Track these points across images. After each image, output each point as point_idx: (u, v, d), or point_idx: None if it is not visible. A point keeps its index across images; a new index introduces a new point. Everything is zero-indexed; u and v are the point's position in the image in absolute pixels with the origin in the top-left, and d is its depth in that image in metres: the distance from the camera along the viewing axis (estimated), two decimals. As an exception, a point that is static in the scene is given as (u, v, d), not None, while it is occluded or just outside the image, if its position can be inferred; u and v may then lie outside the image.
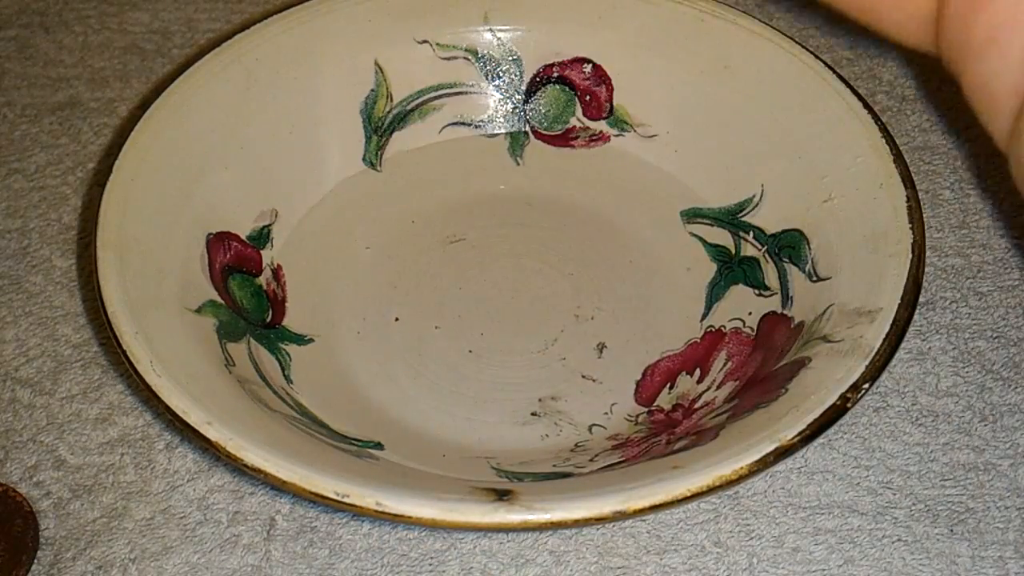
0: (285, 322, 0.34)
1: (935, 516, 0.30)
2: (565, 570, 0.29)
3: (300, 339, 0.34)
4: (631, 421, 0.32)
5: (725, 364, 0.32)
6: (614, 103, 0.39)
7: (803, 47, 0.35)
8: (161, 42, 0.45)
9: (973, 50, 0.19)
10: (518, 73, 0.39)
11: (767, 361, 0.31)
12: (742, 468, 0.25)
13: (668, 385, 0.33)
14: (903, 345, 0.28)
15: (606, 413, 0.32)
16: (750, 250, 0.35)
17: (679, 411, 0.32)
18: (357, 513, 0.26)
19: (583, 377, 0.33)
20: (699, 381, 0.32)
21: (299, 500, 0.31)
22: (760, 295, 0.34)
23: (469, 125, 0.39)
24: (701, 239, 0.36)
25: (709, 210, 0.36)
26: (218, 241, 0.34)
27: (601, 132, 0.39)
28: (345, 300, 0.35)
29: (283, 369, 0.32)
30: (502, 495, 0.25)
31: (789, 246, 0.34)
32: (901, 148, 0.33)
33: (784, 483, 0.31)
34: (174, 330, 0.29)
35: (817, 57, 0.35)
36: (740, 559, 0.29)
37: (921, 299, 0.35)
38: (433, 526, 0.26)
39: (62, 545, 0.30)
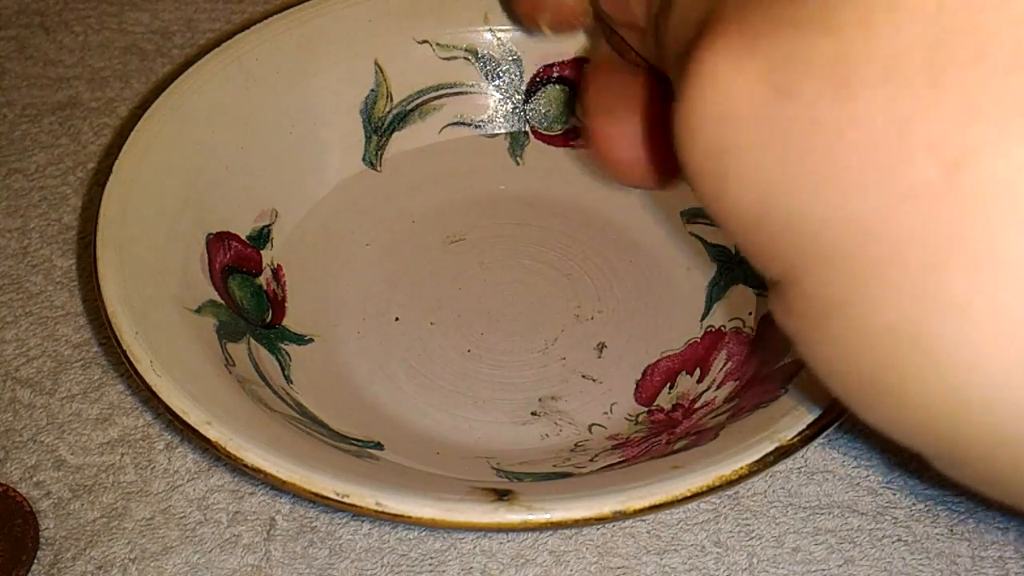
0: (285, 322, 0.34)
1: (935, 516, 0.30)
2: (565, 570, 0.29)
3: (300, 339, 0.34)
4: (631, 421, 0.32)
5: (725, 364, 0.32)
6: (614, 103, 0.39)
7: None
8: (161, 42, 0.45)
9: None
10: (518, 73, 0.39)
11: (767, 361, 0.31)
12: (742, 468, 0.25)
13: (668, 385, 0.33)
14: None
15: (606, 413, 0.32)
16: (750, 250, 0.35)
17: (679, 411, 0.32)
18: (357, 513, 0.26)
19: (583, 377, 0.33)
20: (699, 381, 0.32)
21: (299, 500, 0.31)
22: (760, 295, 0.34)
23: (469, 125, 0.39)
24: (701, 239, 0.36)
25: (709, 210, 0.36)
26: (218, 241, 0.34)
27: (601, 132, 0.39)
28: (345, 300, 0.35)
29: (283, 369, 0.32)
30: (502, 495, 0.25)
31: (789, 246, 0.34)
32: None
33: (784, 483, 0.31)
34: (174, 330, 0.29)
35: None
36: (740, 559, 0.29)
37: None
38: (433, 526, 0.26)
39: (62, 545, 0.30)
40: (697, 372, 0.33)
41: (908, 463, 0.31)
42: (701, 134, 0.19)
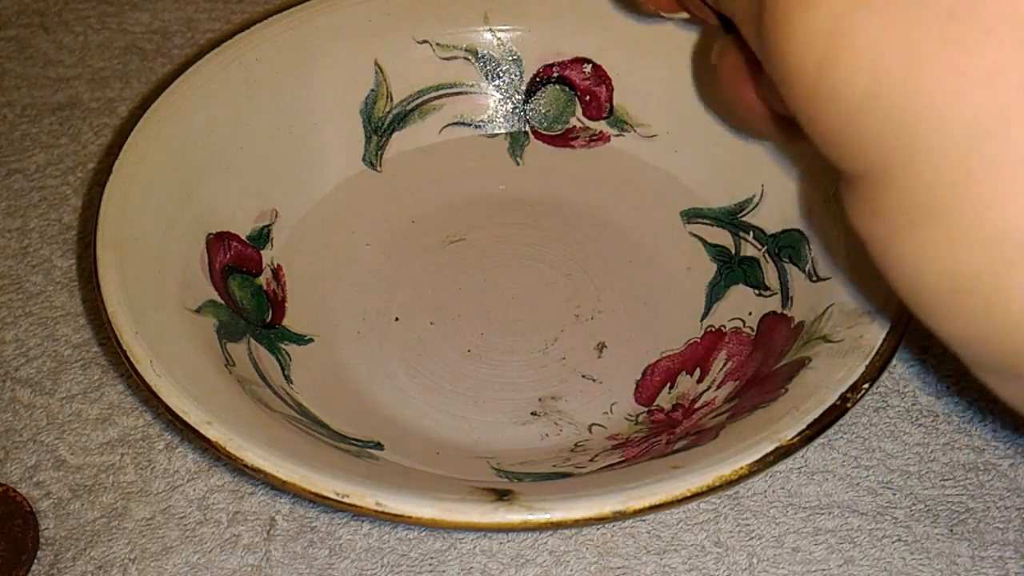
0: (285, 322, 0.34)
1: (935, 516, 0.30)
2: (565, 570, 0.29)
3: (300, 339, 0.34)
4: (631, 421, 0.32)
5: (725, 364, 0.32)
6: (614, 103, 0.39)
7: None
8: (161, 42, 0.45)
9: None
10: (518, 73, 0.39)
11: (767, 361, 0.31)
12: (742, 468, 0.25)
13: (668, 385, 0.33)
14: (903, 345, 0.28)
15: (606, 413, 0.32)
16: (750, 250, 0.35)
17: (679, 411, 0.32)
18: (357, 513, 0.26)
19: (583, 377, 0.33)
20: (699, 381, 0.32)
21: (299, 500, 0.31)
22: (760, 295, 0.34)
23: (469, 125, 0.39)
24: (701, 239, 0.36)
25: (709, 210, 0.36)
26: (218, 241, 0.34)
27: (601, 132, 0.39)
28: (345, 300, 0.35)
29: (283, 369, 0.32)
30: (502, 495, 0.25)
31: (789, 246, 0.34)
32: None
33: (784, 483, 0.31)
34: (174, 330, 0.29)
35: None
36: (740, 559, 0.29)
37: (921, 299, 0.35)
38: (433, 526, 0.26)
39: (62, 545, 0.30)
40: (697, 372, 0.33)
41: (908, 463, 0.31)
42: (816, 11, 0.18)
